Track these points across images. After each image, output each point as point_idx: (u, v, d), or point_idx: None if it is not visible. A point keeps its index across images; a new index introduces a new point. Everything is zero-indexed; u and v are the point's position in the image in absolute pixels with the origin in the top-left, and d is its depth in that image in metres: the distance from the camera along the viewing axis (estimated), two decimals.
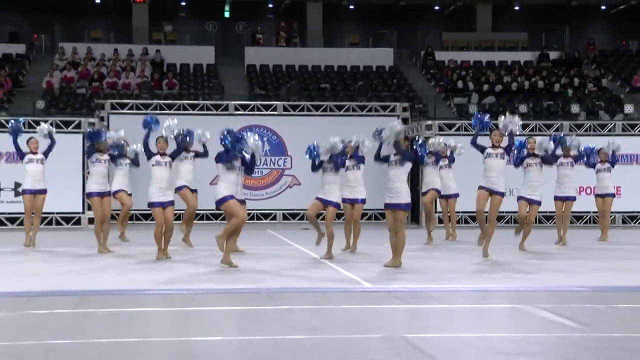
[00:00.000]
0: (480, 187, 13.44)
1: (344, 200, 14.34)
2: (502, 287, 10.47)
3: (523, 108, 27.69)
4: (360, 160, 14.43)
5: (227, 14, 36.19)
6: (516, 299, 9.36)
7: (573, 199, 16.48)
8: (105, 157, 14.74)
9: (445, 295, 9.99)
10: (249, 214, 23.43)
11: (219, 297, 9.85)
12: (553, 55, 33.67)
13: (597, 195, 17.77)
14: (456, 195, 17.42)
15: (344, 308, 9.10)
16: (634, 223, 22.79)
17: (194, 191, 15.55)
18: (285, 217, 23.55)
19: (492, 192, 13.30)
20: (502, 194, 13.39)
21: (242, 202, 13.54)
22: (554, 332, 7.51)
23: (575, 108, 27.86)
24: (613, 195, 17.73)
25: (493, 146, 13.46)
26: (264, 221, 23.46)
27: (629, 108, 27.72)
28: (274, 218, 23.54)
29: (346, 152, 14.21)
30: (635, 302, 9.50)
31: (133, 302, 9.40)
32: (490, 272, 11.99)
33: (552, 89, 30.51)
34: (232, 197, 12.04)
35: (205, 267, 12.40)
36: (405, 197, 12.13)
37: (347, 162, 14.28)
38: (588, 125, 23.59)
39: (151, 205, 13.32)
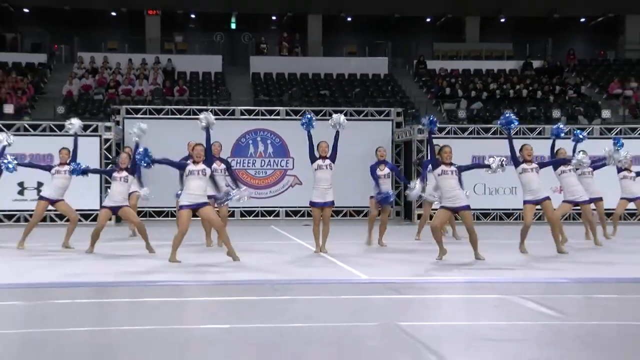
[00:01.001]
0: (527, 202, 13.41)
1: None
2: (490, 279, 10.44)
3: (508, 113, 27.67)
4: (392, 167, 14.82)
5: (233, 26, 36.22)
6: (503, 290, 9.34)
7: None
8: None
9: (437, 287, 9.99)
10: (254, 211, 23.60)
11: (225, 288, 9.84)
12: (536, 64, 33.70)
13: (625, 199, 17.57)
14: None
15: (342, 298, 9.08)
16: (611, 219, 22.73)
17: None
18: (287, 214, 23.55)
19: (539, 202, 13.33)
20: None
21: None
22: (538, 320, 7.50)
23: (556, 113, 27.86)
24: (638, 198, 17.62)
25: (526, 161, 13.36)
26: (268, 218, 23.46)
27: (606, 113, 27.75)
28: (277, 215, 23.54)
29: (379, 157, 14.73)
30: (611, 293, 9.49)
31: (145, 293, 9.38)
32: (479, 265, 11.97)
33: (535, 95, 30.52)
34: (187, 207, 11.94)
35: (213, 260, 12.38)
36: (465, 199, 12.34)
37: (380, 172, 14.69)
38: (568, 129, 23.53)
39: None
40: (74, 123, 15.08)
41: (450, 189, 12.26)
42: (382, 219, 14.78)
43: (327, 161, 13.48)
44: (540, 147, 20.69)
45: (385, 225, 14.90)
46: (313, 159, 13.52)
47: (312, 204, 13.52)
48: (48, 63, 32.28)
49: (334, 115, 13.90)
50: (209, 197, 12.62)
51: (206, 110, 16.34)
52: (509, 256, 13.01)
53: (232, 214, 22.86)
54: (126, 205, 13.80)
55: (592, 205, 15.96)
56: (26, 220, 21.48)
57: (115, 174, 13.78)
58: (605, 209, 16.71)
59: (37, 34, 34.91)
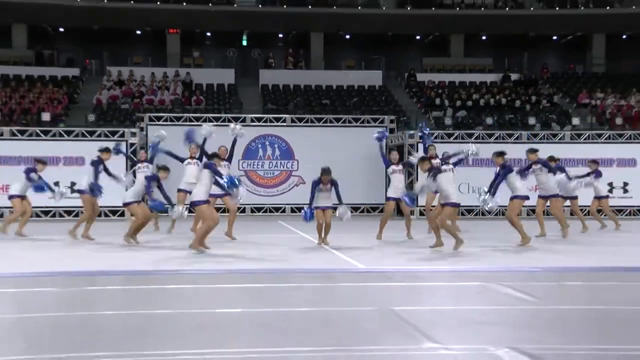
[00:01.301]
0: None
1: (392, 199, 14.42)
2: (472, 268, 10.46)
3: (489, 120, 27.69)
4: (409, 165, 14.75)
5: (244, 43, 36.19)
6: (484, 278, 9.35)
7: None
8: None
9: (426, 275, 9.98)
10: (262, 207, 23.60)
11: (238, 276, 9.84)
12: (514, 76, 33.64)
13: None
14: None
15: (342, 286, 9.08)
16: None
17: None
18: (292, 210, 23.49)
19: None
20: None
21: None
22: (515, 305, 7.51)
23: (532, 120, 27.83)
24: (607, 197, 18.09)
25: None
26: (275, 214, 23.43)
27: (575, 120, 27.73)
28: (284, 211, 23.51)
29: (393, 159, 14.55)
30: (580, 280, 9.50)
31: (168, 280, 9.40)
32: (463, 256, 11.97)
33: (513, 104, 30.48)
34: (207, 202, 11.97)
35: (227, 251, 12.37)
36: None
37: (394, 167, 14.53)
38: (542, 134, 23.56)
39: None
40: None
41: (439, 188, 12.44)
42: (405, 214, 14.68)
43: (328, 186, 13.19)
44: (518, 151, 20.73)
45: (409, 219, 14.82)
46: (317, 182, 13.26)
47: (316, 207, 13.36)
48: (80, 76, 32.28)
49: (342, 211, 13.18)
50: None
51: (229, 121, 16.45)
52: (489, 248, 13.02)
53: (242, 210, 22.88)
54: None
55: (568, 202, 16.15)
56: (61, 215, 21.52)
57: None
58: (580, 206, 16.88)
59: (71, 50, 34.92)
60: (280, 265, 10.72)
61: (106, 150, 14.81)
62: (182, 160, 15.04)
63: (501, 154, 13.49)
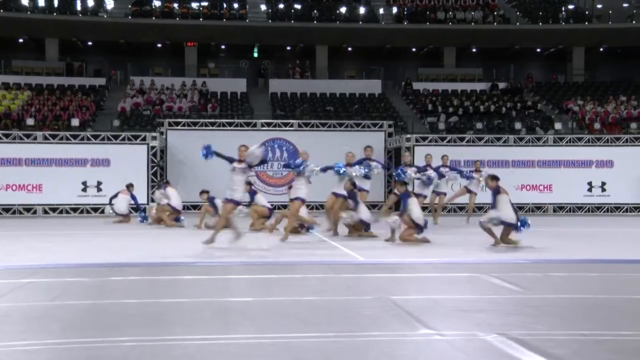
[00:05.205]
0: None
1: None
2: (463, 260, 10.42)
3: (479, 125, 27.62)
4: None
5: (255, 54, 36.20)
6: (473, 269, 9.30)
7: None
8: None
9: (420, 267, 9.94)
10: (272, 205, 23.51)
11: (249, 268, 9.82)
12: (501, 85, 33.58)
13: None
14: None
15: (344, 276, 9.04)
16: (562, 212, 22.72)
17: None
18: None
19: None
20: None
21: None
22: (502, 294, 7.47)
23: (518, 125, 27.75)
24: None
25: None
26: (284, 210, 23.38)
27: (558, 125, 27.66)
28: None
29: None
30: (563, 272, 9.45)
31: (185, 271, 9.37)
32: (455, 249, 11.92)
33: (500, 110, 30.41)
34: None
35: (239, 245, 12.33)
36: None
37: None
38: (528, 138, 23.51)
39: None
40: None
41: None
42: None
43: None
44: (505, 153, 20.74)
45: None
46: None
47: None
48: (106, 85, 32.31)
49: None
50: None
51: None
52: (478, 242, 12.97)
53: None
54: None
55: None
56: (88, 212, 21.54)
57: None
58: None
59: (98, 62, 34.98)
60: (288, 258, 10.69)
61: None
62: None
63: (494, 178, 12.16)
